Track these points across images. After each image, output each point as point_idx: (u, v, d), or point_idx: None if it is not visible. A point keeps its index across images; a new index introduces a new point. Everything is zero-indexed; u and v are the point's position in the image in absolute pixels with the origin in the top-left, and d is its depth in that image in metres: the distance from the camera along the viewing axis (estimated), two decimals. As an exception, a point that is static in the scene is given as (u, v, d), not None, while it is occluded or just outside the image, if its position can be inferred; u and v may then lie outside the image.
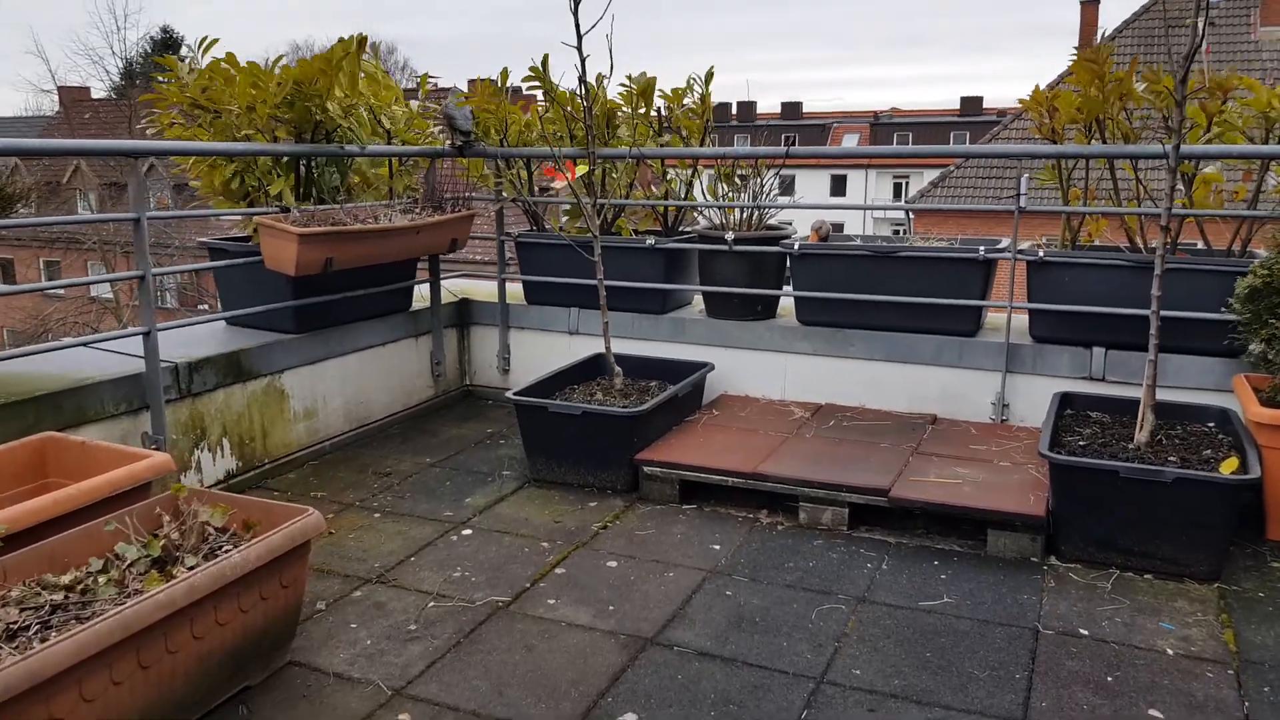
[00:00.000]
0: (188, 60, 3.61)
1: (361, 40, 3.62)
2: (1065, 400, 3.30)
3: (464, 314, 4.66)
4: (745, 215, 4.08)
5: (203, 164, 3.64)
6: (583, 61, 3.36)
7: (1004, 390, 3.56)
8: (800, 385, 3.95)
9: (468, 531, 3.05)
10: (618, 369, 3.74)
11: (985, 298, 3.61)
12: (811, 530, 3.04)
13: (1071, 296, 3.41)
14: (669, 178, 4.21)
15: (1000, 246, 3.57)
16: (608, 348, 3.72)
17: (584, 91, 3.40)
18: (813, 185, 40.89)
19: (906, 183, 39.89)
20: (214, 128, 3.55)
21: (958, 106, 46.10)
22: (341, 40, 3.59)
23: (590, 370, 3.98)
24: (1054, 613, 2.50)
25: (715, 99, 4.16)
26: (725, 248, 3.90)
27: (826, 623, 2.46)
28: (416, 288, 4.41)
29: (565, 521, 3.13)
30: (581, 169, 3.52)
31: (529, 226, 4.56)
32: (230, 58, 3.56)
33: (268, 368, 3.49)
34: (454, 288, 4.84)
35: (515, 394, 3.51)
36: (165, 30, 30.33)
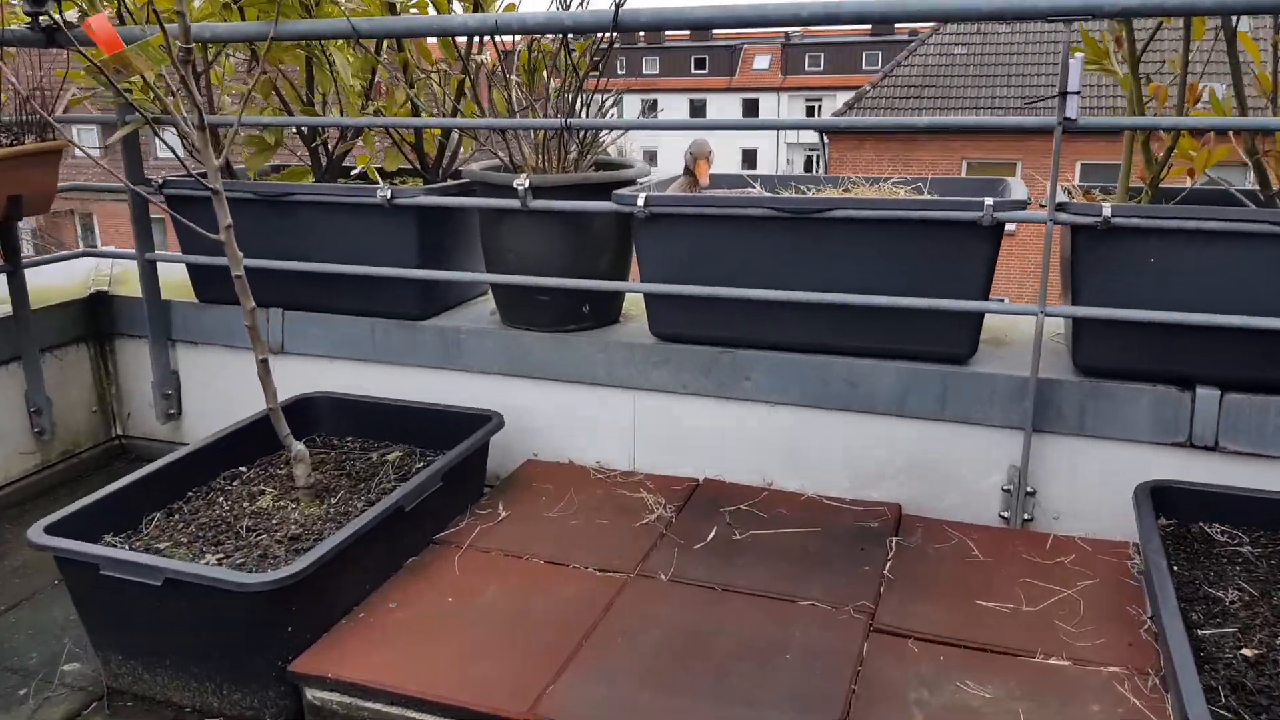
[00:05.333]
0: None
1: None
2: (1159, 500, 1.67)
3: (103, 319, 2.75)
4: (559, 144, 2.26)
5: None
6: None
7: (1027, 465, 1.91)
8: (661, 446, 2.23)
9: None
10: (297, 446, 1.93)
11: (988, 291, 1.92)
12: None
13: (1158, 290, 1.76)
14: (416, 79, 2.33)
15: (1016, 197, 1.87)
16: (270, 400, 1.90)
17: None
18: (724, 111, 39.00)
19: (819, 106, 38.48)
20: None
21: (869, 27, 44.65)
22: None
23: (297, 424, 2.18)
24: None
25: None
26: (517, 205, 2.10)
27: None
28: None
29: None
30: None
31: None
32: None
33: None
34: (105, 270, 2.91)
35: (46, 529, 1.67)
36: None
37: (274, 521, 1.90)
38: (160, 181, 2.49)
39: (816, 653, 1.53)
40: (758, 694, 1.44)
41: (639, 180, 2.21)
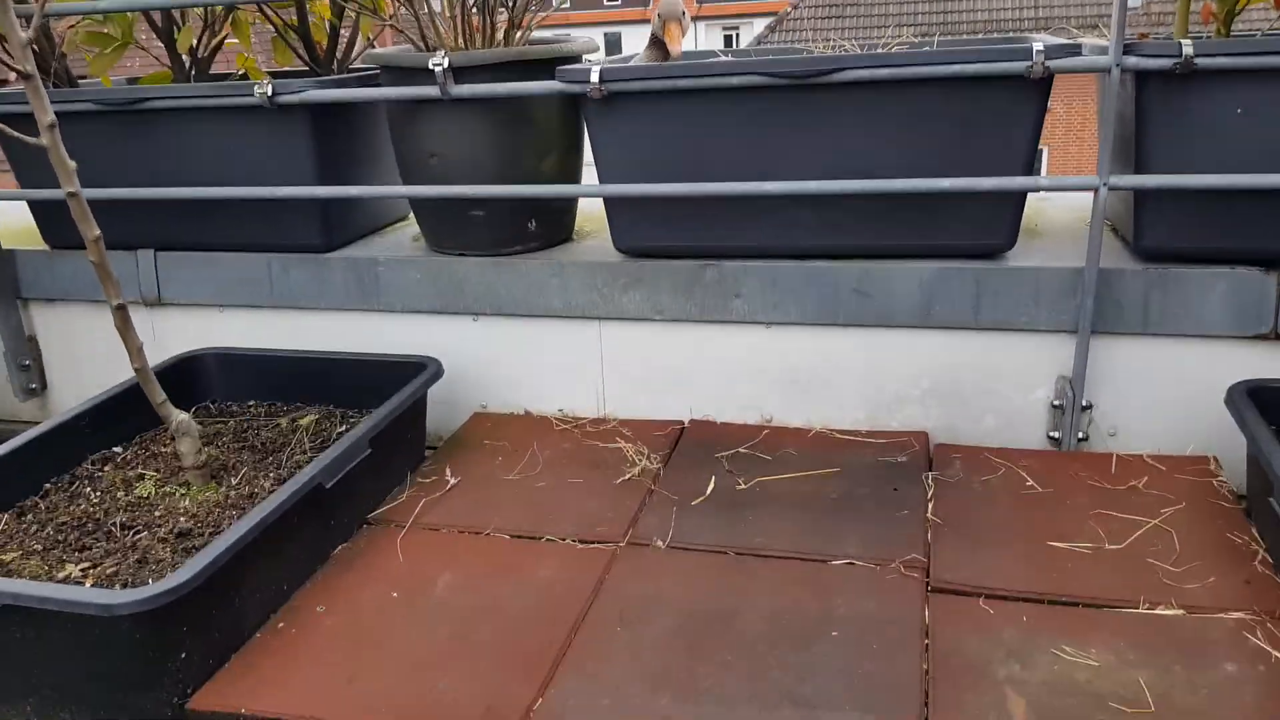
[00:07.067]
0: None
1: None
2: (1257, 401, 1.38)
3: (-74, 278, 2.23)
4: (483, 13, 1.81)
5: None
6: None
7: (1084, 374, 1.60)
8: (636, 385, 1.86)
9: None
10: (180, 416, 1.50)
11: (1033, 165, 1.58)
12: None
13: (1245, 149, 1.44)
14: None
15: (1066, 43, 1.52)
16: (135, 358, 1.47)
17: None
18: (640, 41, 37.99)
19: (737, 34, 37.82)
20: None
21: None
22: None
23: (183, 391, 1.75)
24: None
25: None
26: (435, 93, 1.66)
27: None
28: None
29: None
30: None
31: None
32: None
33: None
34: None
35: None
36: None
37: (158, 514, 1.48)
38: (-20, 93, 1.97)
39: (870, 625, 1.21)
40: (808, 688, 1.11)
41: (586, 57, 1.80)
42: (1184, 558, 1.29)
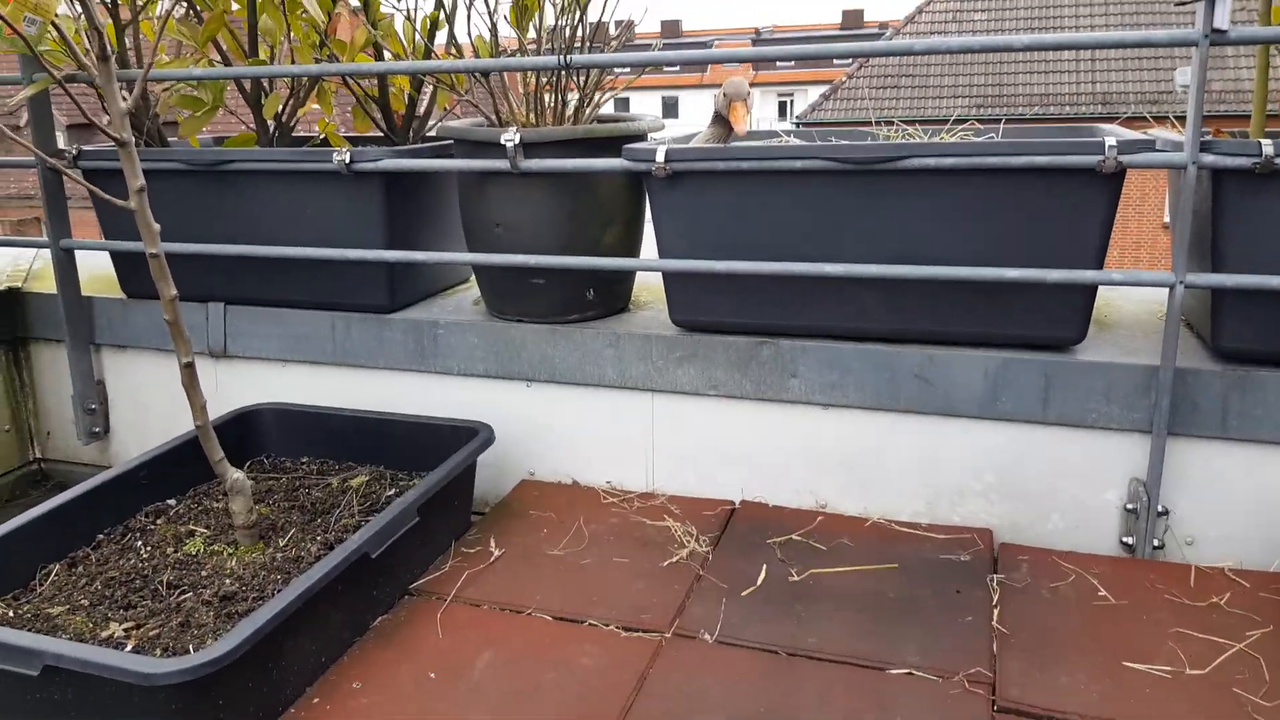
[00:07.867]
0: None
1: None
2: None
3: (15, 320, 2.31)
4: (555, 92, 1.84)
5: None
6: None
7: (1160, 477, 1.52)
8: (687, 461, 1.83)
9: None
10: (234, 475, 1.51)
11: (1104, 258, 1.54)
12: None
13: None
14: (381, 14, 1.91)
15: (1140, 138, 1.49)
16: (198, 415, 1.48)
17: None
18: (697, 108, 38.80)
19: (792, 100, 38.40)
20: None
21: (839, 21, 44.70)
22: None
23: (240, 445, 1.79)
24: None
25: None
26: (505, 166, 1.68)
27: None
28: None
29: None
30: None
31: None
32: None
33: None
34: (24, 264, 2.46)
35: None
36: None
37: (204, 573, 1.48)
38: (75, 151, 2.05)
39: (931, 746, 1.14)
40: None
41: (651, 134, 1.81)
42: (1275, 690, 1.20)
